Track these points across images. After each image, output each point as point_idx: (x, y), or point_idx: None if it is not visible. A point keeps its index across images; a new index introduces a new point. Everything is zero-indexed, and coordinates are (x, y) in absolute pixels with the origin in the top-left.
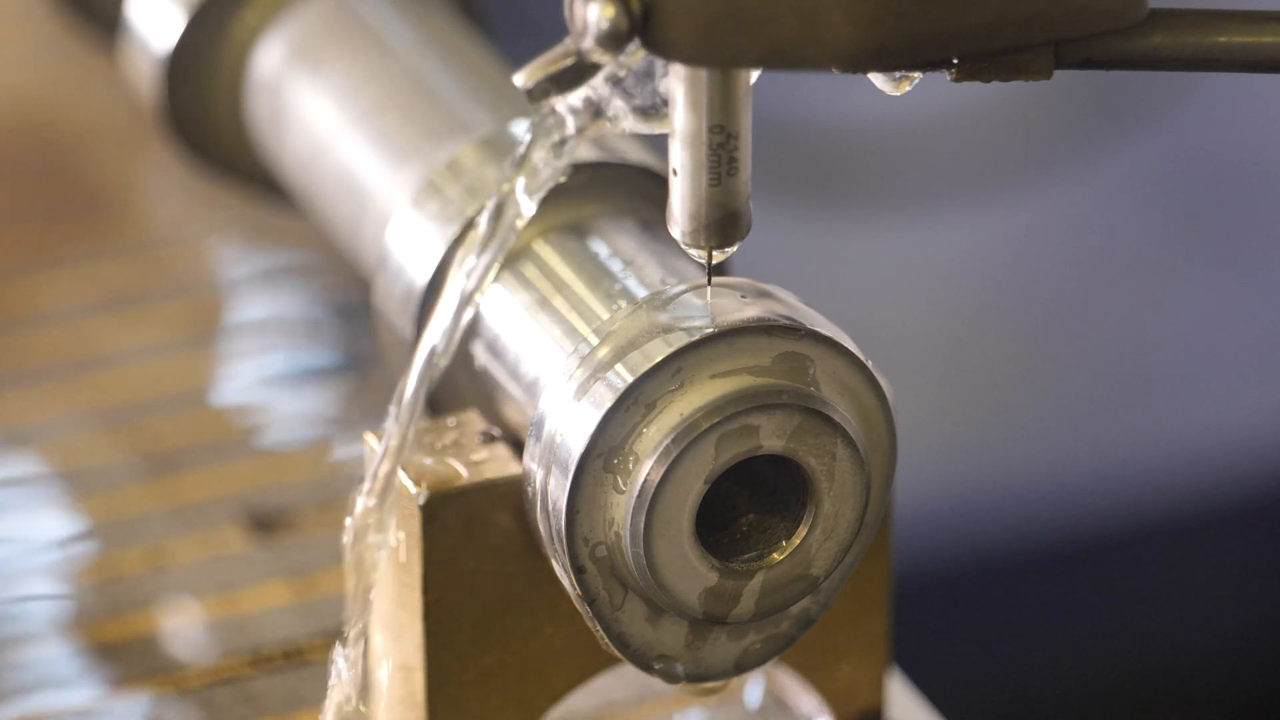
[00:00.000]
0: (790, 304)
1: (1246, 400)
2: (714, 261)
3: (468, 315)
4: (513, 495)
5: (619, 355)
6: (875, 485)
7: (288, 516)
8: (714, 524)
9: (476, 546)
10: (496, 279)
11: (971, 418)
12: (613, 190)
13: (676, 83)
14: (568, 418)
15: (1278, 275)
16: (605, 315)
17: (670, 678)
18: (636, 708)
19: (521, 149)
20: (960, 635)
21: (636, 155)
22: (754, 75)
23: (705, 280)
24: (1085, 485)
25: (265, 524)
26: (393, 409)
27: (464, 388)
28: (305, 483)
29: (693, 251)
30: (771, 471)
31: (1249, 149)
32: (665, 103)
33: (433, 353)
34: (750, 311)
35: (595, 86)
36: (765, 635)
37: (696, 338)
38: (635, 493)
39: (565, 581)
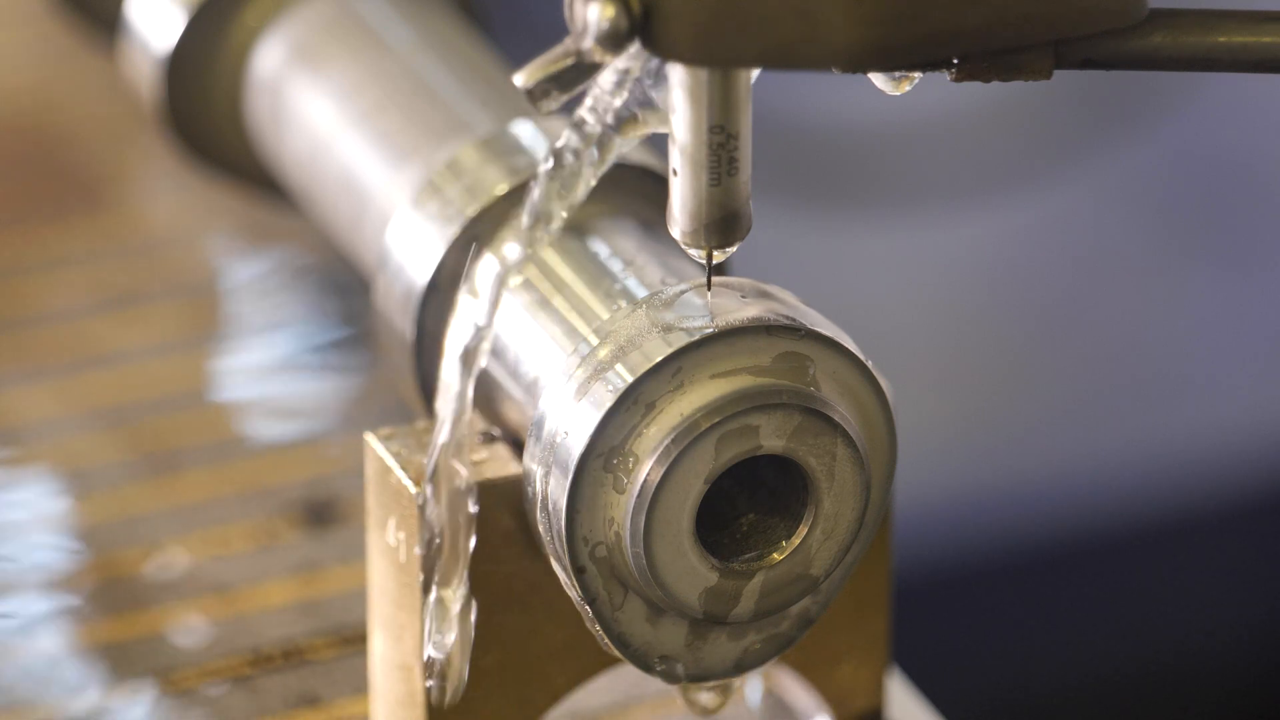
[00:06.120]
0: (790, 304)
1: (1246, 400)
2: (714, 261)
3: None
4: (513, 495)
5: (619, 355)
6: (875, 485)
7: (291, 514)
8: (714, 524)
9: (476, 546)
10: None
11: (971, 418)
12: (613, 190)
13: (676, 83)
14: (568, 418)
15: (1278, 275)
16: (605, 315)
17: (671, 678)
18: (636, 708)
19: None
20: (960, 635)
21: (636, 155)
22: (754, 75)
23: (705, 280)
24: (1085, 485)
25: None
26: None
27: None
28: (305, 482)
29: (693, 251)
30: (771, 471)
31: (1249, 149)
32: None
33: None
34: (750, 311)
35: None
36: (765, 635)
37: (696, 338)
38: (635, 493)
39: (565, 581)
